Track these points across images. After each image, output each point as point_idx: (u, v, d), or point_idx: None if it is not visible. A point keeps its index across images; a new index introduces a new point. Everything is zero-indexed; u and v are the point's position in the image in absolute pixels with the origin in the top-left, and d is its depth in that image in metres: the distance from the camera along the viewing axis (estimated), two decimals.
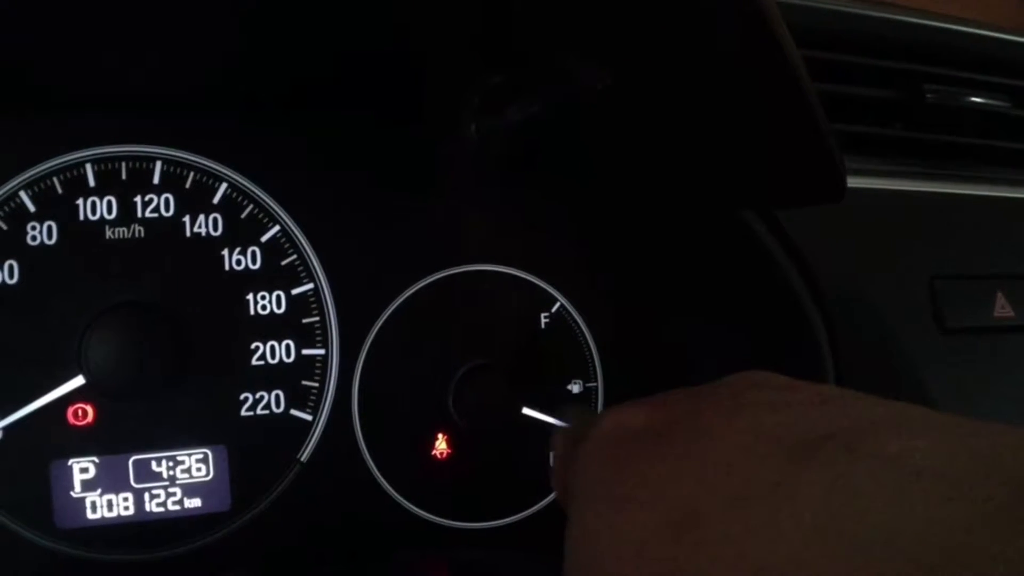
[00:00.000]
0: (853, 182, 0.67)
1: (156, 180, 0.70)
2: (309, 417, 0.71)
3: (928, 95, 0.74)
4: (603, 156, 0.70)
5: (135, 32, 0.59)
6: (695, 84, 0.56)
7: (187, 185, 0.70)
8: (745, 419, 0.34)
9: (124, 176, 0.69)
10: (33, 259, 0.68)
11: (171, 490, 0.70)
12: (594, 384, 0.78)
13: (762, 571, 0.27)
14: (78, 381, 0.67)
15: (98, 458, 0.69)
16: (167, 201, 0.70)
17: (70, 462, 0.68)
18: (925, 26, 0.77)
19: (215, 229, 0.70)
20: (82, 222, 0.69)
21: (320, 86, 0.70)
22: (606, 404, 0.77)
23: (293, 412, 0.71)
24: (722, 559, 0.29)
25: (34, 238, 0.68)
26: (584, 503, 0.37)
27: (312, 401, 0.72)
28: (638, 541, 0.32)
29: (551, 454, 0.48)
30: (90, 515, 0.69)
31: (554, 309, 0.76)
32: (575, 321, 0.77)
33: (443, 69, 0.63)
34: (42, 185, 0.68)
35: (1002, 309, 0.72)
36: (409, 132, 0.73)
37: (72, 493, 0.68)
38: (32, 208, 0.68)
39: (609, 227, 0.76)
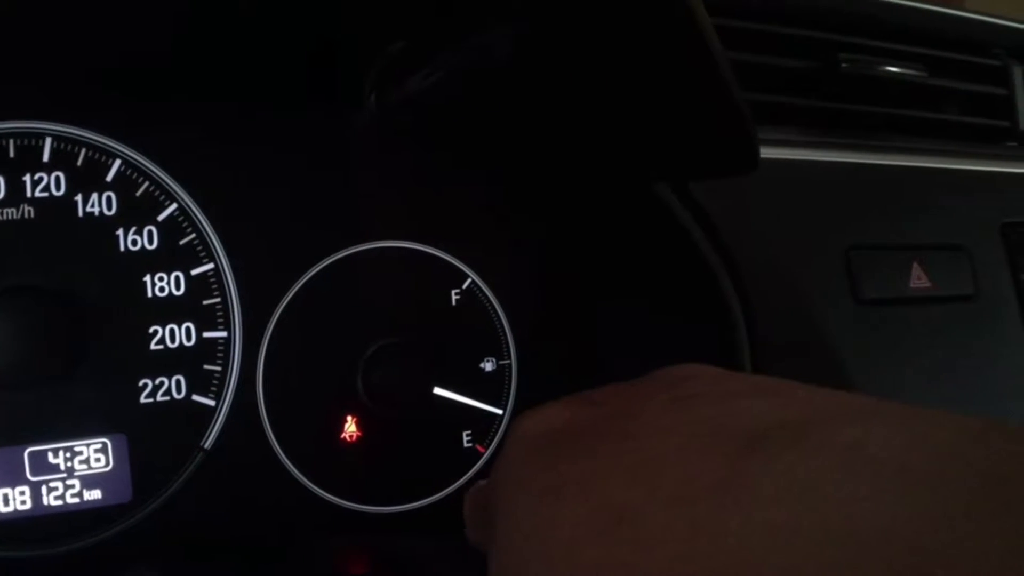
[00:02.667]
0: (768, 153, 0.66)
1: (46, 158, 0.67)
2: (212, 402, 0.69)
3: (843, 64, 0.73)
4: (510, 128, 0.68)
5: (24, 5, 0.56)
6: (601, 53, 0.54)
7: (79, 163, 0.67)
8: (682, 413, 0.33)
9: (12, 154, 0.66)
10: None
11: (69, 482, 0.67)
12: (507, 362, 0.76)
13: (708, 572, 0.25)
14: None
15: None
16: (58, 179, 0.67)
17: None
18: None
19: (109, 208, 0.67)
20: None
21: (218, 61, 0.67)
22: (520, 382, 0.76)
23: (195, 397, 0.69)
24: (664, 560, 0.26)
25: None
26: (508, 502, 0.35)
27: (215, 386, 0.69)
28: (568, 539, 0.30)
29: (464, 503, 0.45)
30: None
31: (465, 285, 0.74)
32: (487, 298, 0.75)
33: (342, 37, 0.61)
34: None
35: (918, 280, 0.72)
36: (310, 105, 0.70)
37: None
38: None
39: (521, 202, 0.74)
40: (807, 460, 0.26)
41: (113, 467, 0.67)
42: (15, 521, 0.66)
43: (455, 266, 0.73)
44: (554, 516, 0.31)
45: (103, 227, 0.67)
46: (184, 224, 0.68)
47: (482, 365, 0.75)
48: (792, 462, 0.26)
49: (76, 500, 0.67)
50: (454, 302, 0.74)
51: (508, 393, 0.76)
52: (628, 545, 0.28)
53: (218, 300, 0.69)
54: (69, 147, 0.67)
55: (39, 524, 0.66)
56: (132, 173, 0.68)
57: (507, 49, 0.51)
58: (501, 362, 0.76)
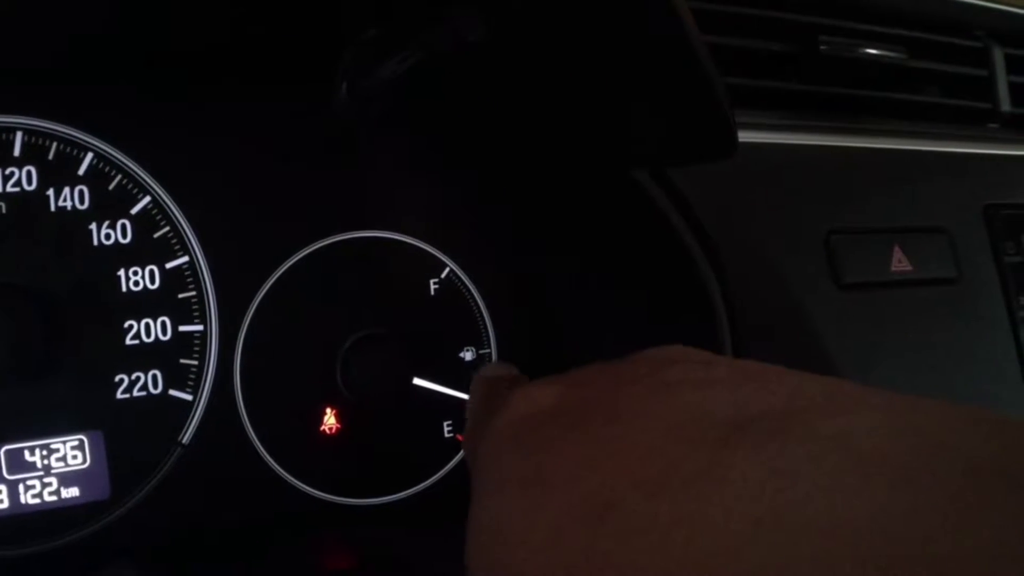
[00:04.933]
0: (747, 137, 0.65)
1: (17, 152, 0.66)
2: (189, 397, 0.68)
3: (823, 47, 0.72)
4: (486, 115, 0.67)
5: None
6: (577, 36, 0.54)
7: (50, 156, 0.66)
8: (667, 398, 0.32)
9: None
10: None
11: (46, 480, 0.66)
12: (487, 351, 0.75)
13: (690, 564, 0.25)
14: None
15: None
16: (29, 174, 0.66)
17: None
18: None
19: (81, 202, 0.67)
20: None
21: (190, 51, 0.66)
22: None
23: (172, 392, 0.68)
24: (645, 551, 0.26)
25: None
26: (491, 487, 0.34)
27: (192, 380, 0.68)
28: (551, 528, 0.29)
29: (467, 404, 0.46)
30: None
31: (443, 275, 0.73)
32: (466, 287, 0.74)
33: (315, 24, 0.60)
34: None
35: (899, 263, 0.71)
36: (283, 94, 0.69)
37: None
38: None
39: (497, 190, 0.73)
40: (790, 451, 0.25)
41: (90, 464, 0.67)
42: None
43: (433, 255, 0.73)
44: (537, 502, 0.31)
45: (76, 221, 0.66)
46: (158, 217, 0.68)
47: (462, 355, 0.75)
48: (775, 453, 0.26)
49: (54, 498, 0.66)
50: (433, 292, 0.73)
51: None
52: (611, 537, 0.27)
53: (194, 294, 0.68)
54: (40, 141, 0.66)
55: (17, 523, 0.66)
56: (105, 166, 0.67)
57: (478, 31, 0.51)
58: (481, 351, 0.75)
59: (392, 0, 0.57)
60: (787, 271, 0.67)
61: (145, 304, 0.67)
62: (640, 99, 0.57)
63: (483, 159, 0.72)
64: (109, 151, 0.67)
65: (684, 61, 0.49)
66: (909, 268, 0.71)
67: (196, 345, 0.68)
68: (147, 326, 0.67)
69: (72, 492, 0.66)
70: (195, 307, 0.68)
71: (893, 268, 0.71)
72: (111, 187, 0.67)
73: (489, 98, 0.64)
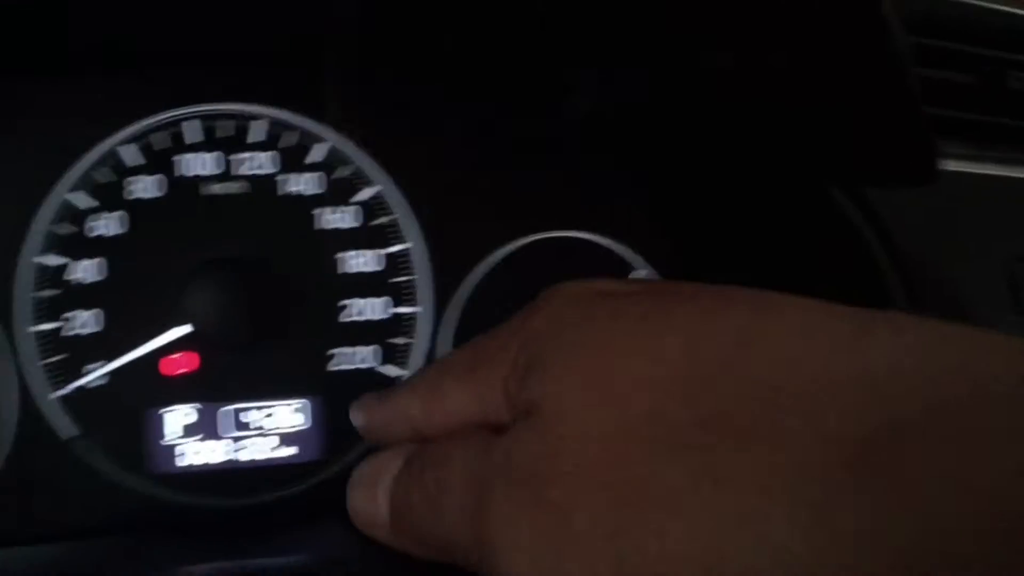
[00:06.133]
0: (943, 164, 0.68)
1: (255, 138, 0.72)
2: (399, 373, 0.74)
3: (1012, 81, 0.75)
4: (699, 129, 0.71)
5: None
6: (802, 61, 0.57)
7: (285, 144, 0.72)
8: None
9: (224, 133, 0.71)
10: (137, 211, 0.70)
11: (263, 439, 0.72)
12: None
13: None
14: (181, 331, 0.69)
15: (194, 406, 0.71)
16: (265, 159, 0.72)
17: (167, 408, 0.71)
18: (1009, 13, 0.78)
19: (312, 188, 0.72)
20: (182, 177, 0.71)
21: (430, 50, 0.71)
22: None
23: (384, 368, 0.73)
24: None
25: (135, 192, 0.70)
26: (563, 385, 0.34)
27: (401, 358, 0.74)
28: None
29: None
30: (183, 461, 0.71)
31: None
32: None
33: (556, 35, 0.64)
34: (144, 140, 0.70)
35: None
36: (513, 98, 0.74)
37: (167, 439, 0.71)
38: (134, 162, 0.70)
39: (696, 200, 0.77)
40: None
41: (306, 427, 0.72)
42: (211, 472, 0.72)
43: (627, 259, 0.77)
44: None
45: (304, 206, 0.72)
46: (381, 205, 0.73)
47: None
48: None
49: (268, 456, 0.72)
50: None
51: None
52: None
53: (409, 278, 0.73)
54: (276, 129, 0.72)
55: (237, 476, 0.72)
56: (336, 157, 0.72)
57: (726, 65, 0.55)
58: None
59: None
60: (969, 295, 0.70)
61: (364, 285, 0.73)
62: (847, 119, 0.61)
63: (688, 170, 0.76)
64: (342, 143, 0.72)
65: (897, 88, 0.53)
66: None
67: (407, 326, 0.74)
68: (365, 306, 0.73)
69: (289, 451, 0.72)
70: (410, 290, 0.73)
71: None
72: (339, 176, 0.73)
73: (706, 113, 0.68)
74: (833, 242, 0.70)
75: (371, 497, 0.44)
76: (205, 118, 0.71)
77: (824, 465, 0.26)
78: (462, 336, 0.74)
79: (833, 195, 0.67)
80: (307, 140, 0.72)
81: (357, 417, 0.53)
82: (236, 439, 0.72)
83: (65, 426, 0.70)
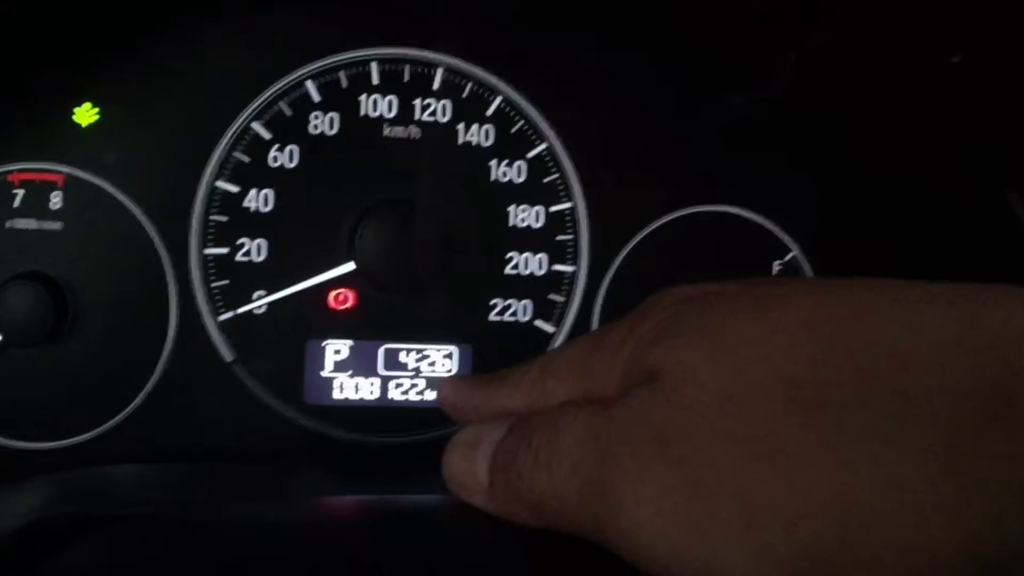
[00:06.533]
0: None
1: (436, 86, 0.73)
2: (551, 329, 0.75)
3: None
4: (880, 123, 0.72)
5: None
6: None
7: (464, 95, 0.73)
8: None
9: (406, 78, 0.73)
10: (314, 146, 0.72)
11: (415, 381, 0.74)
12: None
13: None
14: (348, 267, 0.71)
15: (352, 342, 0.73)
16: (444, 107, 0.73)
17: (325, 343, 0.72)
18: None
19: (486, 140, 0.74)
20: (362, 118, 0.72)
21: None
22: None
23: (537, 323, 0.75)
24: None
25: (316, 127, 0.72)
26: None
27: (556, 314, 0.75)
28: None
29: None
30: (337, 395, 0.73)
31: (787, 258, 0.79)
32: (805, 275, 0.79)
33: (769, 20, 0.66)
34: (328, 78, 0.72)
35: None
36: (698, 75, 0.76)
37: (323, 372, 0.73)
38: (317, 98, 0.72)
39: (862, 191, 0.77)
40: None
41: (457, 373, 0.74)
42: (362, 408, 0.73)
43: (780, 239, 0.78)
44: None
45: (479, 157, 0.74)
46: (550, 163, 0.74)
47: None
48: None
49: (418, 398, 0.74)
50: (775, 272, 0.79)
51: None
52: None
53: (571, 237, 0.75)
54: (457, 79, 0.73)
55: (384, 414, 0.73)
56: (510, 111, 0.74)
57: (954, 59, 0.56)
58: None
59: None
60: None
61: (528, 240, 0.74)
62: None
63: (856, 159, 0.77)
64: (516, 98, 0.74)
65: None
66: None
67: (565, 284, 0.75)
68: (526, 260, 0.74)
69: (435, 395, 0.74)
70: (570, 249, 0.75)
71: None
72: (513, 130, 0.74)
73: (912, 111, 0.69)
74: (1000, 244, 0.71)
75: (470, 459, 0.44)
76: (390, 61, 0.72)
77: (949, 416, 0.29)
78: (612, 299, 0.76)
79: (1009, 198, 0.69)
80: (484, 92, 0.73)
81: (449, 395, 0.52)
82: (390, 378, 0.73)
83: (227, 350, 0.71)
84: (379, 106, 0.72)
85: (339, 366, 0.73)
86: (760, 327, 0.34)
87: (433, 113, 0.73)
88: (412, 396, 0.74)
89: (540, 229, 0.74)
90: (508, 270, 0.74)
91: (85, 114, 0.69)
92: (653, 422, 0.34)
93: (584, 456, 0.36)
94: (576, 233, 0.75)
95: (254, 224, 0.71)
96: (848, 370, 0.31)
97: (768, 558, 0.30)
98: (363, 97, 0.72)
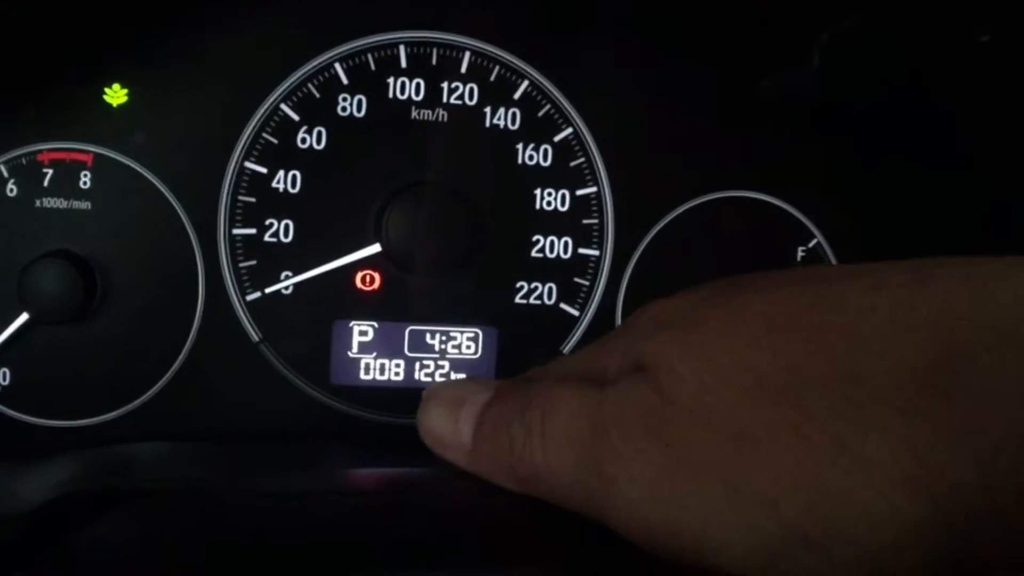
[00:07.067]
0: None
1: (463, 69, 0.73)
2: (576, 312, 0.76)
3: None
4: (912, 116, 0.72)
5: None
6: None
7: (491, 78, 0.74)
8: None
9: (434, 61, 0.73)
10: (342, 128, 0.72)
11: (440, 363, 0.74)
12: None
13: None
14: (374, 249, 0.71)
15: (378, 323, 0.73)
16: (471, 90, 0.73)
17: (352, 323, 0.73)
18: None
19: (513, 123, 0.74)
20: (390, 100, 0.73)
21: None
22: None
23: (562, 306, 0.75)
24: None
25: (344, 109, 0.72)
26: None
27: (581, 298, 0.76)
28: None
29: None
30: (363, 375, 0.73)
31: (811, 244, 0.79)
32: (828, 261, 0.80)
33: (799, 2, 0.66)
34: (356, 60, 0.72)
35: None
36: (723, 61, 0.76)
37: (350, 353, 0.73)
38: (345, 80, 0.72)
39: (886, 177, 0.78)
40: None
41: (481, 355, 0.74)
42: (387, 389, 0.74)
43: (806, 225, 0.78)
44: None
45: (506, 140, 0.74)
46: (576, 147, 0.75)
47: None
48: None
49: (443, 380, 0.74)
50: (799, 258, 0.79)
51: None
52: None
53: (596, 221, 0.75)
54: (484, 62, 0.74)
55: (409, 395, 0.74)
56: (537, 94, 0.74)
57: (989, 29, 0.56)
58: None
59: None
60: None
61: (553, 223, 0.74)
62: None
63: (892, 157, 0.77)
64: (543, 82, 0.74)
65: None
66: None
67: (590, 267, 0.75)
68: (551, 243, 0.75)
69: (460, 377, 0.74)
70: (595, 234, 0.75)
71: None
72: (540, 114, 0.74)
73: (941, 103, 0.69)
74: None
75: (451, 419, 0.46)
76: (418, 44, 0.72)
77: (901, 395, 0.31)
78: (636, 283, 0.76)
79: None
80: (511, 76, 0.74)
81: (436, 412, 0.49)
82: (415, 359, 0.74)
83: (254, 330, 0.71)
84: (407, 89, 0.73)
85: (365, 347, 0.73)
86: (727, 321, 0.37)
87: (460, 96, 0.73)
88: (438, 377, 0.74)
89: (566, 213, 0.75)
90: (534, 253, 0.74)
91: (115, 94, 0.69)
92: (642, 407, 0.37)
93: (580, 431, 0.39)
94: (601, 217, 0.75)
95: (282, 205, 0.71)
96: (805, 356, 0.34)
97: (755, 533, 0.32)
98: (391, 79, 0.72)
